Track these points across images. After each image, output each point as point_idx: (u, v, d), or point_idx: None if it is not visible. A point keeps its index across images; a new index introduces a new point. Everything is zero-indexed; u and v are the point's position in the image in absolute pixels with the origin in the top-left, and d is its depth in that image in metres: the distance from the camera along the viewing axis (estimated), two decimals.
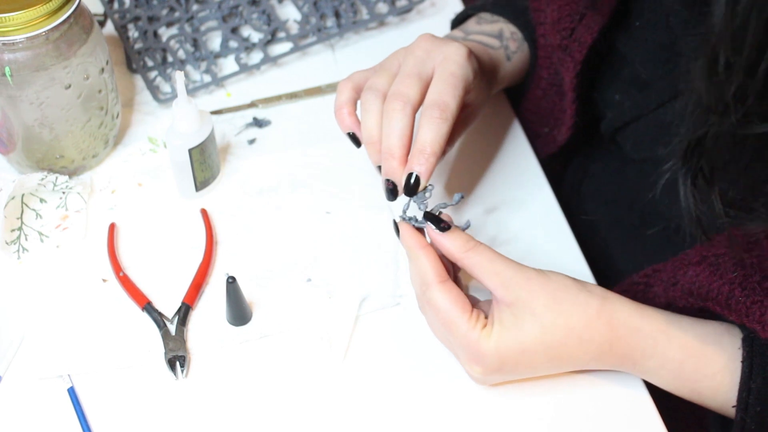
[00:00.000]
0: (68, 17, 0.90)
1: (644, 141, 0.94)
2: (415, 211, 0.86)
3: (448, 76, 0.86)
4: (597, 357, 0.83)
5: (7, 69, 0.90)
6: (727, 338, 0.83)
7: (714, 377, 0.82)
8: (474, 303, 0.86)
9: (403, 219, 0.86)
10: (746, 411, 0.80)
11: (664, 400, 0.88)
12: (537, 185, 1.03)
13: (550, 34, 0.99)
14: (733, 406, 0.81)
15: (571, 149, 1.05)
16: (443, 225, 0.83)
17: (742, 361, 0.81)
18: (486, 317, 0.82)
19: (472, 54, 0.89)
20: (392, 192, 0.86)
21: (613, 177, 1.04)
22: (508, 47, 1.01)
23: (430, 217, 0.84)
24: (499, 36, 1.01)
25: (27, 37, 0.88)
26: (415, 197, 0.85)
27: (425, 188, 0.85)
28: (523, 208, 1.01)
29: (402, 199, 0.86)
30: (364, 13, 1.16)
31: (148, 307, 0.91)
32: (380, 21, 1.16)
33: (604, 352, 0.82)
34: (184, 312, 0.91)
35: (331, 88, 1.09)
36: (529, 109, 1.05)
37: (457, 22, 1.09)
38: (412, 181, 0.84)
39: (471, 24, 1.03)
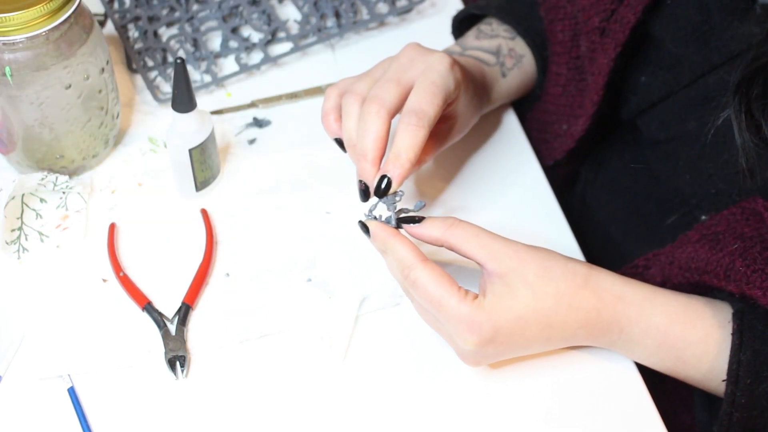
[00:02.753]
0: (68, 17, 0.90)
1: (672, 120, 0.96)
2: (382, 212, 0.87)
3: (429, 84, 0.87)
4: (585, 325, 0.84)
5: (7, 69, 0.90)
6: (710, 309, 0.85)
7: (698, 344, 0.84)
8: None
9: (368, 218, 0.87)
10: (736, 384, 0.82)
11: (656, 391, 0.90)
12: (538, 189, 1.03)
13: (583, 19, 0.99)
14: (723, 380, 0.83)
15: (588, 142, 1.05)
16: (417, 218, 0.85)
17: (732, 334, 0.82)
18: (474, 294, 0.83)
19: (455, 65, 0.90)
20: (364, 193, 0.87)
21: (629, 166, 1.05)
22: (504, 64, 1.02)
23: (403, 220, 0.85)
24: (496, 53, 1.02)
25: (27, 37, 0.88)
26: (384, 199, 0.87)
27: (395, 192, 0.86)
28: (523, 210, 1.01)
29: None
30: (364, 13, 1.16)
31: (148, 307, 0.91)
32: (380, 21, 1.16)
33: (592, 320, 0.84)
34: (184, 312, 0.91)
35: None
36: (548, 110, 1.06)
37: (458, 21, 1.09)
38: (384, 184, 0.85)
39: (470, 39, 1.04)
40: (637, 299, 0.84)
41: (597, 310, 0.83)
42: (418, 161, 0.90)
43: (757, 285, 0.82)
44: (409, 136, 0.85)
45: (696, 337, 0.84)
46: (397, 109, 0.88)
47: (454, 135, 0.95)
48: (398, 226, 0.86)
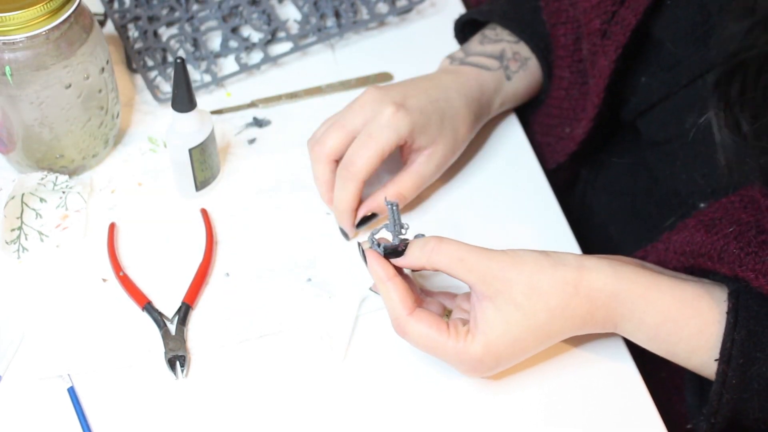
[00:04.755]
0: (68, 17, 0.90)
1: (671, 120, 0.96)
2: (384, 234, 0.85)
3: (365, 138, 0.94)
4: (581, 327, 0.85)
5: (7, 68, 0.90)
6: (706, 301, 0.84)
7: (689, 340, 0.83)
8: (451, 299, 0.89)
9: (371, 243, 0.85)
10: (728, 363, 0.81)
11: (652, 380, 0.90)
12: (540, 193, 1.03)
13: (585, 22, 0.99)
14: (716, 360, 0.82)
15: (589, 144, 1.06)
16: (400, 249, 0.85)
17: (728, 313, 0.82)
18: (463, 323, 0.83)
19: (400, 110, 0.94)
20: (345, 235, 0.98)
21: (628, 168, 1.05)
22: (509, 67, 1.03)
23: (388, 254, 0.85)
24: (500, 57, 1.03)
25: (27, 37, 0.88)
26: (392, 230, 0.85)
27: (402, 225, 0.85)
28: (525, 215, 1.01)
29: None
30: (364, 13, 1.16)
31: (148, 307, 0.91)
32: (380, 21, 1.16)
33: (587, 322, 0.84)
34: (184, 312, 0.91)
35: (331, 88, 1.10)
36: (551, 113, 1.06)
37: (461, 25, 1.09)
38: (342, 233, 0.98)
39: (474, 44, 1.05)
40: (631, 297, 0.83)
41: (591, 314, 0.84)
42: (402, 197, 0.96)
43: (750, 267, 0.81)
44: (341, 187, 0.94)
45: (688, 333, 0.83)
46: (340, 154, 0.95)
47: (442, 158, 0.98)
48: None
